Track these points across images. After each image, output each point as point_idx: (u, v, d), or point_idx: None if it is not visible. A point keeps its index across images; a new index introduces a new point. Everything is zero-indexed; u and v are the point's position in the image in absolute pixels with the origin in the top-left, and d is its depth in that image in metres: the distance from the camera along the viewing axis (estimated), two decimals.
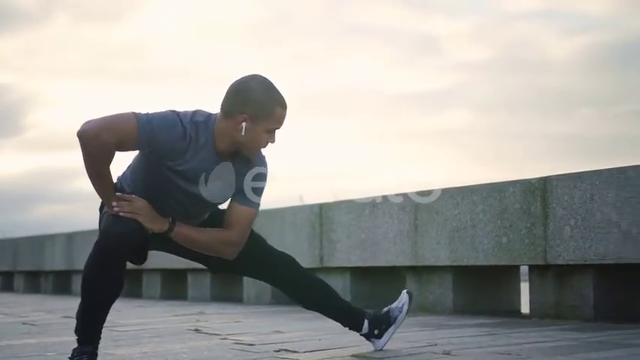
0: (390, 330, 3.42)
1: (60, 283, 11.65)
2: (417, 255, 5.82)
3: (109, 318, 3.08)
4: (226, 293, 8.27)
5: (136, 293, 9.34)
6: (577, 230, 4.74)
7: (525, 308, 5.95)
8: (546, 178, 4.95)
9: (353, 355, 3.38)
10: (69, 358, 2.96)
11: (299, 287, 3.39)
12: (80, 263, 10.29)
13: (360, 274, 6.58)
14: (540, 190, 4.96)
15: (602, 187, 4.62)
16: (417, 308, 5.81)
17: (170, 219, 3.00)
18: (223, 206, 3.19)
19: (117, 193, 2.96)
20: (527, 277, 5.36)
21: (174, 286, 9.06)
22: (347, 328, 3.52)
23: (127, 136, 2.83)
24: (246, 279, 7.77)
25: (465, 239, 5.42)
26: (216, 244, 3.06)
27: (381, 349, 3.45)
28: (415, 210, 5.84)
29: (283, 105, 2.98)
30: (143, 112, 2.89)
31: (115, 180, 3.01)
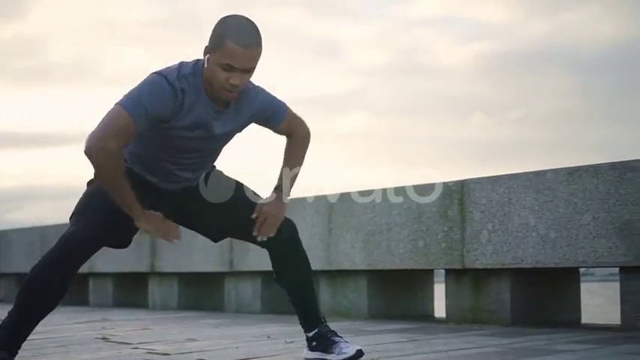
0: (320, 354, 3.25)
1: None
2: (331, 259, 5.71)
3: None
4: (129, 299, 8.00)
5: None
6: (495, 234, 4.70)
7: (439, 312, 5.91)
8: (463, 181, 4.91)
9: None
10: None
11: (290, 255, 3.21)
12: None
13: (272, 278, 6.41)
14: (458, 193, 4.91)
15: (520, 190, 4.60)
16: (331, 312, 5.69)
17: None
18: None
19: (149, 212, 2.94)
20: (441, 280, 5.33)
21: (74, 291, 8.71)
22: (260, 335, 3.34)
23: (127, 132, 2.78)
24: (151, 284, 7.52)
25: (381, 243, 5.33)
26: (307, 139, 3.19)
27: None
28: (329, 213, 5.73)
29: (238, 41, 2.79)
30: (127, 95, 2.79)
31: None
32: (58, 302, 2.99)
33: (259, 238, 3.12)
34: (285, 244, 3.17)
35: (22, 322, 2.93)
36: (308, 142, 3.22)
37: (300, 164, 3.20)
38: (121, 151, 2.83)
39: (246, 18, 2.87)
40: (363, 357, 3.13)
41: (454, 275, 5.02)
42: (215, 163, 3.21)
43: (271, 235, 3.11)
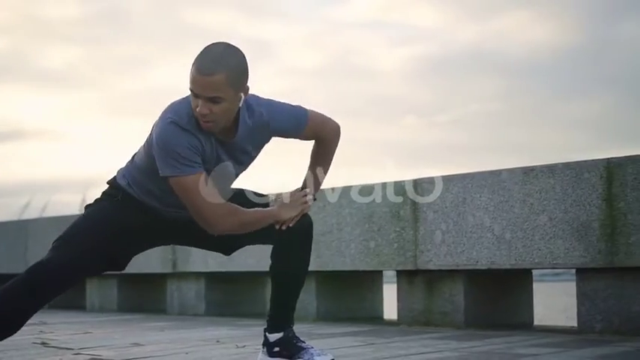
0: None
1: None
2: None
3: None
4: (67, 301, 7.72)
5: None
6: (449, 235, 4.61)
7: (389, 314, 5.81)
8: (416, 180, 4.81)
9: None
10: None
11: (297, 248, 3.03)
12: None
13: (217, 280, 6.26)
14: (410, 192, 4.81)
15: (475, 190, 4.51)
16: None
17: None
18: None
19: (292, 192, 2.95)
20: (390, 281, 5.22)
21: None
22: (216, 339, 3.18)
23: (207, 186, 2.76)
24: (88, 285, 7.27)
25: (331, 243, 5.20)
26: (336, 138, 3.05)
27: None
28: None
29: (196, 67, 2.67)
30: (167, 163, 2.73)
31: (117, 174, 2.96)
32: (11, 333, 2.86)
33: (277, 226, 2.94)
34: (298, 236, 2.99)
35: None
36: (336, 142, 3.07)
37: (328, 165, 3.08)
38: (227, 203, 2.81)
39: (224, 45, 2.73)
40: None
41: (406, 277, 4.92)
42: None
43: (290, 224, 2.94)
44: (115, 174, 3.00)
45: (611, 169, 3.98)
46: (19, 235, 8.02)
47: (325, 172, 3.09)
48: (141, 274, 6.75)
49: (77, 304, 7.45)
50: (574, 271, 4.26)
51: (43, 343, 4.13)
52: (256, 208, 2.90)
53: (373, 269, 5.10)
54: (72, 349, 3.88)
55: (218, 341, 4.04)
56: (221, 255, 5.70)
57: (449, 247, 4.60)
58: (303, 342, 3.10)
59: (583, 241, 4.05)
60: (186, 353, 3.59)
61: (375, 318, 5.57)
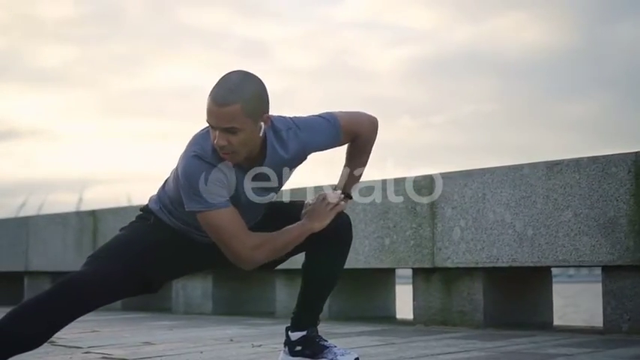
0: None
1: None
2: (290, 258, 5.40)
3: None
4: None
5: None
6: (468, 231, 4.47)
7: (400, 314, 5.68)
8: (433, 175, 4.67)
9: None
10: None
11: (335, 247, 2.90)
12: None
13: (224, 278, 6.12)
14: (427, 188, 4.67)
15: (495, 185, 4.37)
16: (288, 314, 5.38)
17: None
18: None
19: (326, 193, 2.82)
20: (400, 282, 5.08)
21: (6, 291, 8.25)
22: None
23: (237, 218, 2.64)
24: None
25: None
26: (373, 134, 2.91)
27: None
28: None
29: (213, 98, 2.55)
30: (194, 198, 2.60)
31: (149, 200, 2.86)
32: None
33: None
34: (336, 237, 2.86)
35: None
36: (374, 137, 2.92)
37: (365, 162, 2.95)
38: (256, 235, 2.68)
39: (240, 74, 2.60)
40: None
41: (422, 275, 4.77)
42: None
43: (325, 222, 2.80)
44: (148, 201, 2.89)
45: None
46: (20, 232, 7.88)
47: (362, 169, 2.96)
48: None
49: None
50: (571, 271, 4.13)
51: (51, 342, 3.98)
52: (288, 227, 2.74)
53: (388, 267, 4.96)
54: (81, 347, 3.74)
55: (232, 340, 3.90)
56: None
57: (468, 244, 4.47)
58: (326, 341, 2.97)
59: (610, 238, 3.92)
60: (201, 352, 3.45)
61: (387, 317, 5.43)
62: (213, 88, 2.57)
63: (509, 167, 4.35)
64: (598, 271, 4.14)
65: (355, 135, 2.87)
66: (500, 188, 4.35)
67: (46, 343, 3.88)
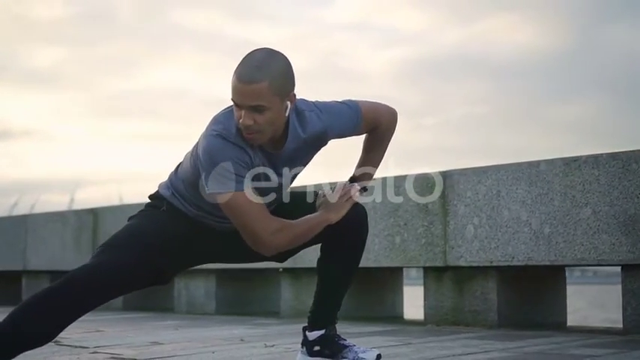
0: None
1: None
2: (296, 256, 5.29)
3: None
4: None
5: None
6: (481, 229, 4.37)
7: (408, 314, 5.57)
8: (446, 172, 4.56)
9: None
10: None
11: (349, 242, 2.80)
12: None
13: (228, 277, 6.00)
14: (439, 185, 4.56)
15: (510, 182, 4.27)
16: (294, 314, 5.31)
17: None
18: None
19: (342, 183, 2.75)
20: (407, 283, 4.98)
21: (4, 291, 8.13)
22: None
23: (260, 204, 2.53)
24: None
25: None
26: (392, 125, 2.86)
27: None
28: None
29: (237, 75, 2.46)
30: (214, 178, 2.48)
31: (159, 187, 2.76)
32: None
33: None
34: (351, 231, 2.75)
35: None
36: (392, 129, 2.86)
37: (382, 154, 2.88)
38: (277, 219, 2.57)
39: (266, 51, 2.51)
40: None
41: (433, 274, 4.67)
42: None
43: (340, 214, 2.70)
44: (157, 188, 2.78)
45: None
46: (18, 231, 7.75)
47: (379, 161, 2.89)
48: None
49: None
50: (589, 273, 4.02)
51: (56, 342, 3.87)
52: (307, 217, 2.64)
53: (398, 266, 4.86)
54: (87, 347, 3.63)
55: (242, 340, 3.79)
56: None
57: (482, 242, 4.36)
58: (345, 340, 2.86)
59: (630, 236, 3.81)
60: (213, 352, 3.34)
61: (396, 317, 5.33)
62: (238, 66, 2.47)
63: (525, 163, 4.24)
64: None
65: (375, 125, 2.79)
66: (516, 185, 4.24)
67: (51, 343, 3.77)
